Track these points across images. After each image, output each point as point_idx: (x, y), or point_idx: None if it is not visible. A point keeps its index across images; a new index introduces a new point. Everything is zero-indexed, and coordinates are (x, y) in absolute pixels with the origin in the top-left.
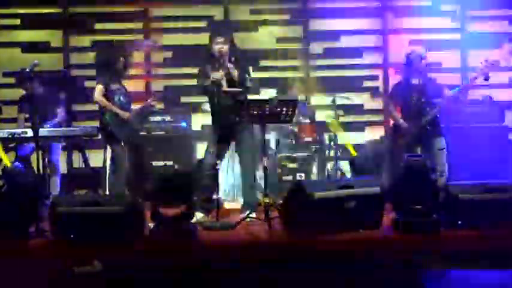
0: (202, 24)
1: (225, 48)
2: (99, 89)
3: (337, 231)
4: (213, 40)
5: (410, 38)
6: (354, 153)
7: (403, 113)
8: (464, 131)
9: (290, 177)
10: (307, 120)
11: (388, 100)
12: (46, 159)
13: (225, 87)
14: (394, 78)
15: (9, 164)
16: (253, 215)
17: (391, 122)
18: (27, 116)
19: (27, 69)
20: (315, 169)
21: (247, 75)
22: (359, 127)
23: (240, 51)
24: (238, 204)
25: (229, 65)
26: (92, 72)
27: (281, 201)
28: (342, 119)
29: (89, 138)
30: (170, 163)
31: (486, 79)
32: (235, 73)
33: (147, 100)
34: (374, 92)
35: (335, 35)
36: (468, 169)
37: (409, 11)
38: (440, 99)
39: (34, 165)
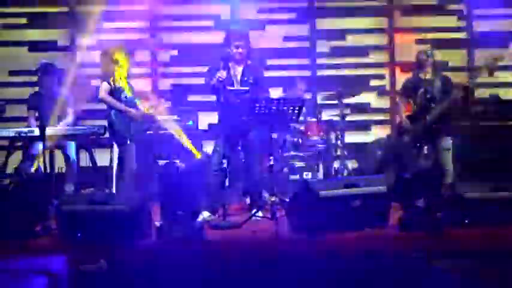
0: (208, 23)
1: (244, 51)
2: (104, 86)
3: (343, 230)
4: (231, 43)
5: (417, 36)
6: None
7: (412, 110)
8: (472, 129)
9: (297, 176)
10: (314, 119)
11: (398, 96)
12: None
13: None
14: (401, 77)
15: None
16: (260, 213)
17: (398, 120)
18: (36, 114)
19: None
20: (321, 168)
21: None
22: (366, 126)
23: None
24: (245, 203)
25: (234, 64)
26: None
27: (287, 200)
28: (348, 118)
29: (96, 137)
30: (176, 162)
31: (490, 75)
32: (240, 72)
33: (154, 108)
34: (380, 90)
35: (341, 33)
36: (475, 168)
37: (415, 10)
38: (448, 98)
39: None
